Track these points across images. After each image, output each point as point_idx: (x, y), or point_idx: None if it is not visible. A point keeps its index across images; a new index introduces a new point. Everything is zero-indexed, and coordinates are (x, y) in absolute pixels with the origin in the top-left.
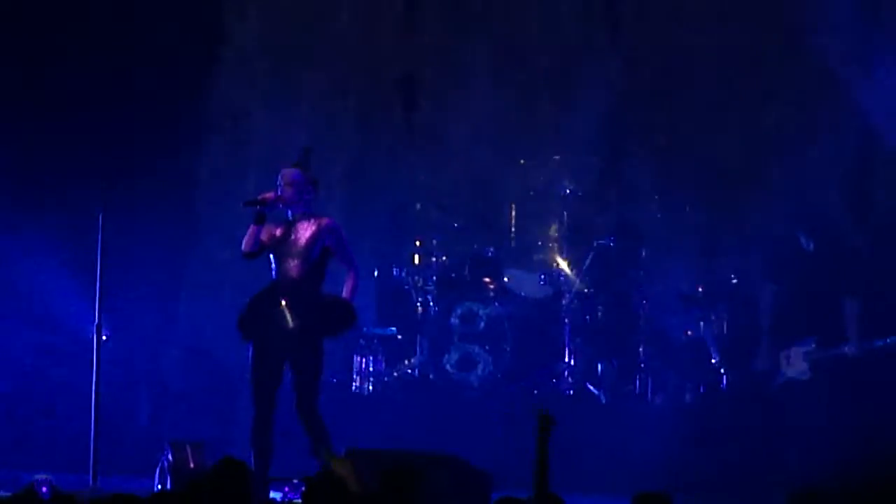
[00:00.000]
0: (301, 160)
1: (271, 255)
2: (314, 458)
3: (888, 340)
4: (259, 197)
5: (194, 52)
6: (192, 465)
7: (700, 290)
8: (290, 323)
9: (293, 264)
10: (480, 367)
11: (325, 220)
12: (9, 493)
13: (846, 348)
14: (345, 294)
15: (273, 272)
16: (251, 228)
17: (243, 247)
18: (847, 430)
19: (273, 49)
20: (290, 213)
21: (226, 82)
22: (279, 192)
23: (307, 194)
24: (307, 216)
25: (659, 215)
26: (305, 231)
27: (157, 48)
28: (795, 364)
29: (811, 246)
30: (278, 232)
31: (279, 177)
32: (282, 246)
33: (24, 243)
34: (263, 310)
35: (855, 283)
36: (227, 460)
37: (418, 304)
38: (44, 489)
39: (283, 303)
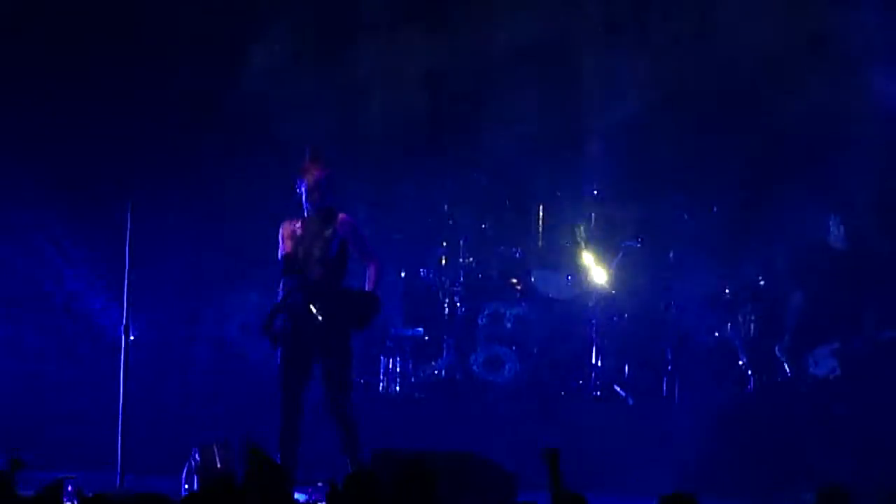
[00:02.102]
0: (315, 157)
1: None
2: (340, 459)
3: None
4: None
5: (221, 52)
6: (219, 466)
7: (727, 291)
8: (318, 320)
9: (313, 262)
10: (507, 367)
11: (339, 216)
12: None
13: (863, 343)
14: (368, 287)
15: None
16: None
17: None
18: (875, 429)
19: (298, 48)
20: (306, 210)
21: (250, 81)
22: (303, 193)
23: (326, 192)
24: (323, 213)
25: (686, 216)
26: (322, 228)
27: (185, 48)
28: (823, 363)
29: (841, 231)
30: (298, 230)
31: (302, 180)
32: (301, 244)
33: (52, 242)
34: (289, 312)
35: (879, 285)
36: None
37: (445, 304)
38: (69, 488)
39: (312, 308)
